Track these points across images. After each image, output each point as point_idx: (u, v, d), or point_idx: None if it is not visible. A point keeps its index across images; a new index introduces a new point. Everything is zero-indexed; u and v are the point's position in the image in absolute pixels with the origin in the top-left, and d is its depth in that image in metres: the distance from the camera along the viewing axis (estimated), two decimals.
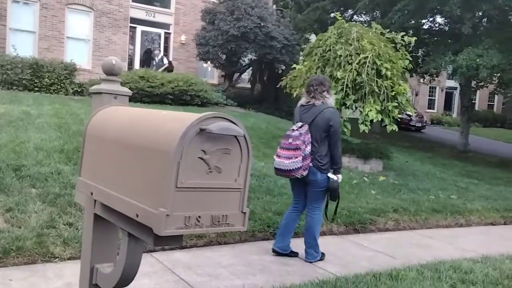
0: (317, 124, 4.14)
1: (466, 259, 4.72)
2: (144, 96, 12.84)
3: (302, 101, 4.35)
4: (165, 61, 15.74)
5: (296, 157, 4.02)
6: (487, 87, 19.77)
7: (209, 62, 17.12)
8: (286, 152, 4.07)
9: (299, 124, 4.17)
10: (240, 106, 15.98)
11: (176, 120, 1.35)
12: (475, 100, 29.91)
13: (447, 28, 18.39)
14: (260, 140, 9.91)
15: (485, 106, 34.94)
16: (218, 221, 1.33)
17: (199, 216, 1.30)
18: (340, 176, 4.28)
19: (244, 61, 17.74)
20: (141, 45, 17.54)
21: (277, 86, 10.52)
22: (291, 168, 4.04)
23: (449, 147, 18.78)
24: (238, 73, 18.00)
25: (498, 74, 15.23)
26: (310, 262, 4.30)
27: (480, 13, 16.33)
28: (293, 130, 4.15)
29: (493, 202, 8.19)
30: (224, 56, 16.36)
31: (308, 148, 4.10)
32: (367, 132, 8.22)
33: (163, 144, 1.28)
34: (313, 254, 4.31)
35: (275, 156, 4.17)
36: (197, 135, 1.28)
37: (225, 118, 1.34)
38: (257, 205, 5.51)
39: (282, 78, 9.83)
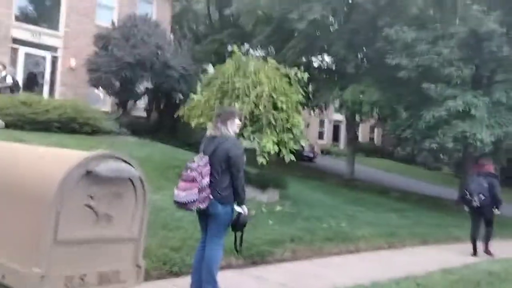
0: (217, 155, 4.08)
1: (359, 286, 4.92)
2: (26, 123, 11.67)
3: (208, 132, 4.37)
4: (9, 80, 12.95)
5: (191, 189, 3.89)
6: (369, 120, 21.66)
7: (101, 88, 16.28)
8: (184, 184, 3.93)
9: (201, 155, 4.09)
10: (134, 134, 15.33)
11: (57, 160, 1.15)
12: (358, 132, 32.53)
13: (334, 67, 19.91)
14: (155, 171, 9.52)
15: (367, 138, 38.22)
16: (108, 279, 1.14)
17: (84, 275, 1.10)
18: (244, 207, 4.21)
19: (139, 89, 17.20)
20: (24, 67, 16.11)
21: (175, 116, 10.31)
22: (185, 201, 3.90)
23: (337, 175, 19.99)
24: (133, 101, 17.38)
25: (378, 110, 16.78)
26: None
27: (362, 55, 18.02)
28: (192, 161, 4.04)
29: (378, 228, 8.79)
30: (118, 83, 15.69)
31: (206, 180, 3.99)
32: (265, 164, 8.37)
33: (39, 190, 1.07)
34: None
35: (175, 188, 4.01)
36: (83, 178, 1.09)
37: (117, 157, 1.17)
38: (152, 242, 5.18)
39: (179, 108, 9.67)
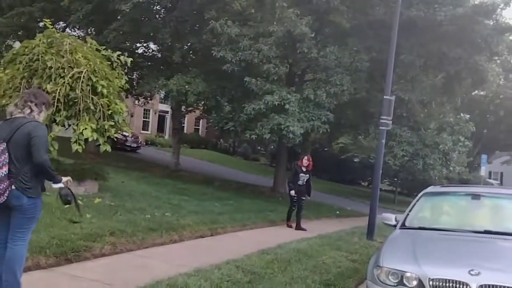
0: (16, 141, 3.49)
1: (181, 275, 4.86)
2: None
3: (8, 114, 3.67)
4: None
5: None
6: (194, 111, 21.97)
7: None
8: None
9: None
10: None
11: None
12: (184, 124, 32.79)
13: (160, 55, 19.54)
14: None
15: (192, 129, 38.86)
16: None
17: None
18: (64, 178, 3.76)
19: None
20: None
21: None
22: None
23: (162, 166, 19.79)
24: None
25: (203, 101, 17.13)
26: None
27: (188, 45, 18.10)
28: None
29: (202, 216, 8.95)
30: None
31: (4, 170, 3.41)
32: (80, 151, 7.63)
33: None
34: None
35: None
36: None
37: None
38: None
39: None
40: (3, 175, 3.44)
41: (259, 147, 38.67)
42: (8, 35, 18.03)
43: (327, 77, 13.93)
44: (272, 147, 30.87)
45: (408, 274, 3.87)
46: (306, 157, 10.27)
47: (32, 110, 3.68)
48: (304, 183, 10.10)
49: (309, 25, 13.57)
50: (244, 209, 11.46)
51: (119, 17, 16.61)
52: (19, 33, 18.29)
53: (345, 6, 14.62)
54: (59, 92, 7.36)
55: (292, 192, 9.96)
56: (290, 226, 10.28)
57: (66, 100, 7.45)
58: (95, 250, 5.51)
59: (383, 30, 14.58)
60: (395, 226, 5.30)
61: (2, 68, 8.09)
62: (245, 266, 5.61)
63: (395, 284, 3.91)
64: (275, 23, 13.87)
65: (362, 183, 35.51)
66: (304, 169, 10.10)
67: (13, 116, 3.65)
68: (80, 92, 7.50)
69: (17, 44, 17.36)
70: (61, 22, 19.50)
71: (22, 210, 3.58)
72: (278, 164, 19.05)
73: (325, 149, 32.18)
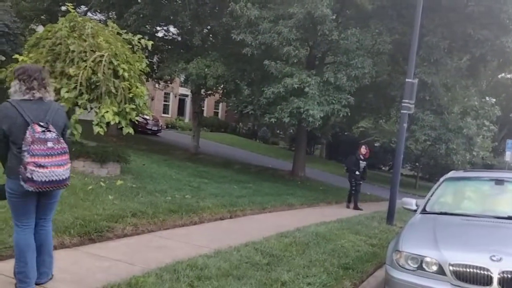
0: (56, 124, 3.51)
1: (201, 256, 4.95)
2: None
3: (23, 95, 3.46)
4: None
5: (68, 163, 3.45)
6: (214, 95, 21.99)
7: None
8: (52, 159, 3.33)
9: (42, 123, 3.39)
10: None
11: None
12: (204, 107, 32.90)
13: (180, 38, 19.53)
14: None
15: (212, 113, 38.99)
16: None
17: None
18: None
19: None
20: None
21: None
22: (67, 176, 3.44)
23: (182, 149, 19.98)
24: None
25: (223, 85, 17.11)
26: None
27: (208, 28, 18.03)
28: (44, 131, 3.34)
29: (221, 198, 9.04)
30: None
31: (66, 158, 3.52)
32: (102, 134, 7.76)
33: None
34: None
35: (36, 168, 3.24)
36: None
37: None
38: None
39: (1, 70, 8.32)
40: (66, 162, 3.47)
41: (278, 131, 38.59)
42: (32, 19, 18.28)
43: (348, 59, 13.71)
44: (291, 130, 30.74)
45: (427, 259, 3.85)
46: (363, 146, 11.95)
47: (50, 92, 3.68)
48: (361, 169, 11.83)
49: (330, 7, 13.32)
50: (263, 192, 11.52)
51: (139, 0, 16.64)
52: (42, 17, 18.52)
53: None
54: (81, 76, 7.45)
55: (357, 177, 11.76)
56: (348, 207, 11.93)
57: (88, 84, 7.55)
58: (117, 230, 5.65)
59: (407, 11, 14.20)
60: (415, 211, 5.26)
61: (26, 52, 8.22)
62: (263, 249, 5.66)
63: (415, 269, 3.89)
64: (295, 4, 13.65)
65: (383, 168, 35.18)
66: (362, 157, 11.80)
67: (38, 97, 3.50)
68: (102, 75, 7.58)
69: (40, 28, 17.61)
70: (82, 6, 19.64)
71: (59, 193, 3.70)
72: (298, 147, 18.99)
73: (345, 133, 31.91)
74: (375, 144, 31.10)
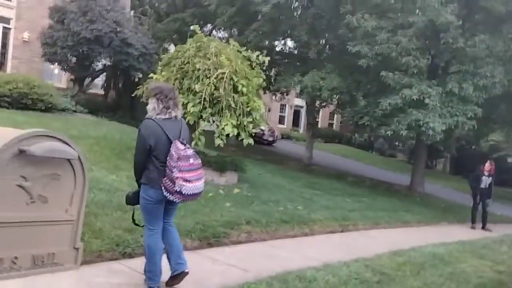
0: (186, 139, 3.89)
1: (310, 268, 5.05)
2: None
3: (163, 114, 3.79)
4: None
5: (203, 176, 3.84)
6: (328, 107, 21.96)
7: (56, 64, 15.64)
8: (197, 173, 3.75)
9: (182, 140, 3.79)
10: (91, 113, 14.89)
11: None
12: (318, 118, 32.98)
13: (296, 52, 19.98)
14: (112, 151, 9.32)
15: (326, 124, 38.85)
16: (42, 261, 1.10)
17: (16, 257, 1.05)
18: None
19: (97, 66, 16.66)
20: None
21: (133, 95, 10.08)
22: (203, 188, 3.85)
23: (296, 160, 20.28)
24: (90, 78, 16.83)
25: (337, 96, 17.05)
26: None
27: (324, 41, 18.17)
28: (184, 148, 3.72)
29: (333, 211, 9.02)
30: (74, 59, 15.14)
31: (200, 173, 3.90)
32: (222, 146, 8.36)
33: None
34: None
35: (184, 182, 3.63)
36: (15, 157, 1.04)
37: (52, 137, 1.12)
38: (106, 222, 5.10)
39: (138, 87, 9.46)
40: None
41: (396, 143, 36.92)
42: (164, 39, 20.34)
43: (475, 68, 12.71)
44: (411, 143, 29.21)
45: None
46: (488, 162, 11.42)
47: (180, 109, 4.08)
48: (487, 186, 11.24)
49: (455, 13, 12.52)
50: (377, 207, 11.19)
51: (259, 18, 17.47)
52: (173, 36, 20.49)
53: None
54: (205, 91, 8.14)
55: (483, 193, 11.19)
56: (473, 228, 11.20)
57: (211, 99, 8.21)
58: (232, 237, 6.02)
59: None
60: None
61: (159, 70, 9.25)
62: (374, 266, 5.56)
63: None
64: (417, 11, 13.09)
65: None
66: (486, 173, 11.27)
67: (173, 116, 3.83)
68: (223, 91, 8.18)
69: (171, 47, 19.48)
70: (208, 25, 21.29)
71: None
72: (417, 161, 18.01)
73: (472, 147, 29.32)
74: (508, 160, 28.04)
